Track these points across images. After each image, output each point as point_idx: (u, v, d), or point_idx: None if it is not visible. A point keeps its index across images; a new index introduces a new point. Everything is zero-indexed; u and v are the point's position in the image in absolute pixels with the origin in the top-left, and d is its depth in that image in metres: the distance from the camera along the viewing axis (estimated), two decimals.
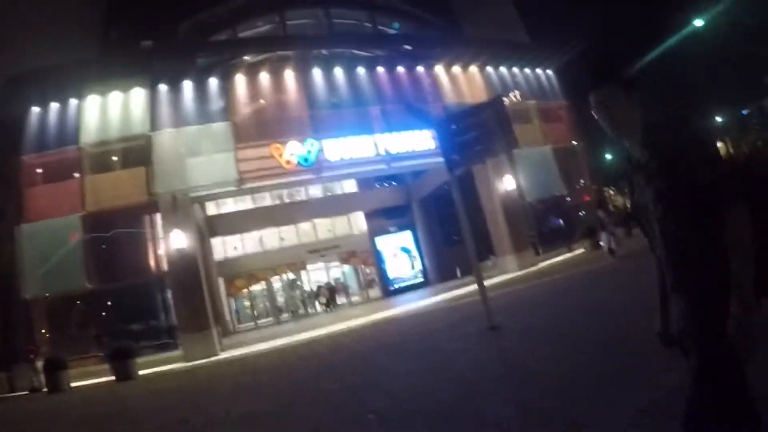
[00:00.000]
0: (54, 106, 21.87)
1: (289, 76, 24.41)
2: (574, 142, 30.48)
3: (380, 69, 25.89)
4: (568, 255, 25.99)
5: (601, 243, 19.13)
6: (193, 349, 19.50)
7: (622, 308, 7.51)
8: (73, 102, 21.96)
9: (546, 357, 6.23)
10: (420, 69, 26.73)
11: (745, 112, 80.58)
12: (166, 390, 12.64)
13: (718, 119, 43.40)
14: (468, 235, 10.43)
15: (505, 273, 24.93)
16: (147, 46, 24.66)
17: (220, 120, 23.20)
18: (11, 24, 24.43)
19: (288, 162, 22.80)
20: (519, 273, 23.65)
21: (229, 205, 34.30)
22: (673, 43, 30.32)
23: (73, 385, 16.89)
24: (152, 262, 22.10)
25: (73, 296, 21.52)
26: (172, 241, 20.67)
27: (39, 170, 21.82)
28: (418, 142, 24.53)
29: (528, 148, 27.09)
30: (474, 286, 12.77)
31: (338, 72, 25.14)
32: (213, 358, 18.72)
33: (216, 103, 23.42)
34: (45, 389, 16.60)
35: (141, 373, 16.85)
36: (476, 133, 10.86)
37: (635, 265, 11.44)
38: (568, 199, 29.84)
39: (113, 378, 16.14)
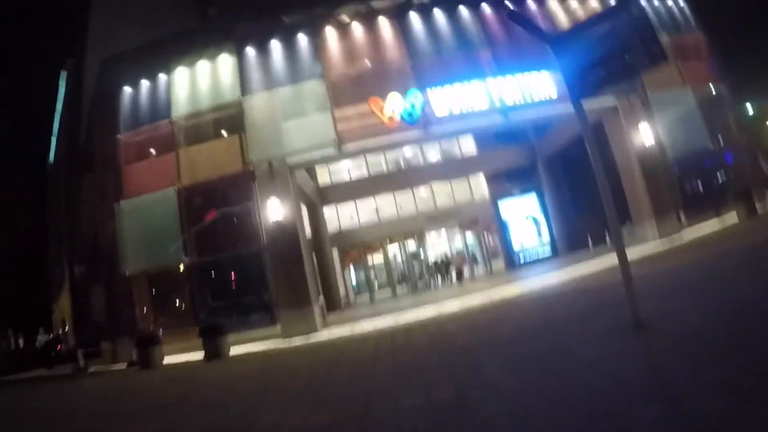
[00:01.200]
0: (145, 84, 22.36)
1: (384, 24, 22.24)
2: (717, 85, 25.76)
3: (486, 5, 23.13)
4: (717, 222, 21.93)
5: None
6: (292, 325, 18.63)
7: None
8: (162, 77, 22.25)
9: (725, 385, 3.77)
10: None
11: None
12: (239, 376, 11.46)
13: None
14: (608, 196, 7.45)
15: (644, 242, 21.64)
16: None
17: (313, 79, 21.51)
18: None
19: (390, 118, 20.60)
20: (660, 242, 20.30)
21: (344, 174, 32.75)
22: None
23: (166, 361, 16.91)
24: (250, 235, 20.65)
25: (171, 270, 21.44)
26: (269, 212, 19.66)
27: (135, 147, 22.09)
28: (538, 86, 21.46)
29: (665, 92, 23.11)
30: (610, 261, 11.57)
31: (438, 14, 22.60)
32: (312, 337, 17.33)
33: (308, 61, 21.80)
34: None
35: (235, 351, 16.27)
36: (609, 45, 7.68)
37: None
38: (716, 154, 25.22)
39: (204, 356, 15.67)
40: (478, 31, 22.67)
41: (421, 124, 20.72)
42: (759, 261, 9.87)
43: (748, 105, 34.50)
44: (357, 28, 22.13)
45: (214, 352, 15.37)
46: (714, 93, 25.62)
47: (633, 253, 18.59)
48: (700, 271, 11.02)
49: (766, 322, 5.25)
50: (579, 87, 7.78)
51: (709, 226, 21.16)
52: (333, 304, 26.66)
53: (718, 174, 25.62)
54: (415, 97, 20.65)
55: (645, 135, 21.98)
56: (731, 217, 21.13)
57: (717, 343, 4.96)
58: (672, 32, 25.31)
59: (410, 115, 20.52)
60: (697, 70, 25.34)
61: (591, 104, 21.97)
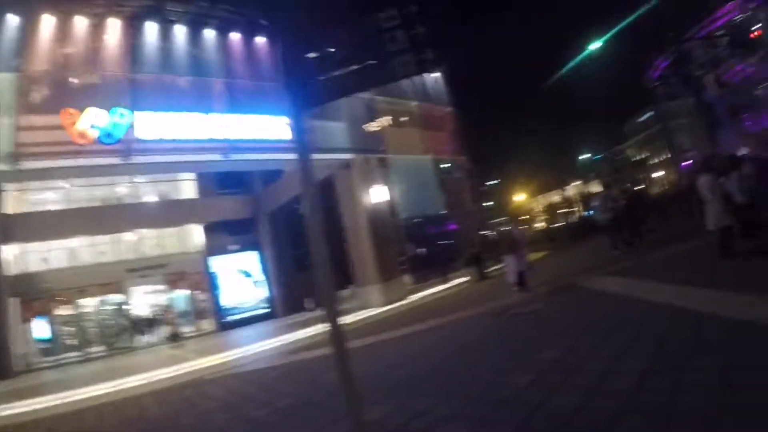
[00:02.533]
0: None
1: (113, 27, 18.09)
2: (458, 158, 26.48)
3: (234, 35, 20.41)
4: (444, 286, 21.36)
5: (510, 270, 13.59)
6: None
7: None
8: None
9: None
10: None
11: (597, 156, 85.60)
12: None
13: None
14: (322, 256, 4.90)
15: (369, 307, 19.91)
16: None
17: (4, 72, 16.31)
18: None
19: (82, 135, 16.14)
20: (386, 308, 18.80)
21: (36, 203, 25.85)
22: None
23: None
24: None
25: None
26: None
27: None
28: (269, 129, 19.06)
29: (404, 155, 22.65)
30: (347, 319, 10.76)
31: (178, 32, 19.29)
32: None
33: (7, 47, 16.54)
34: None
35: None
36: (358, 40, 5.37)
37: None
38: (448, 220, 25.53)
39: None
40: (217, 61, 19.90)
41: (122, 149, 16.74)
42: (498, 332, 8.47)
43: (488, 181, 36.64)
44: (80, 23, 17.59)
45: None
46: (453, 164, 26.23)
47: (355, 317, 17.00)
48: (432, 346, 9.13)
49: None
50: (307, 91, 5.26)
51: (438, 289, 20.53)
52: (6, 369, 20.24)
53: (448, 239, 25.90)
54: (120, 117, 16.66)
55: (378, 196, 20.87)
56: (460, 280, 20.80)
57: None
58: (422, 100, 25.60)
59: (109, 135, 16.39)
60: (441, 139, 25.80)
61: (324, 157, 20.48)
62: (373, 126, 22.20)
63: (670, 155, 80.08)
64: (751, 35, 26.75)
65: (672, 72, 53.75)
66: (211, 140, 18.12)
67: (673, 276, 9.25)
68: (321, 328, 16.39)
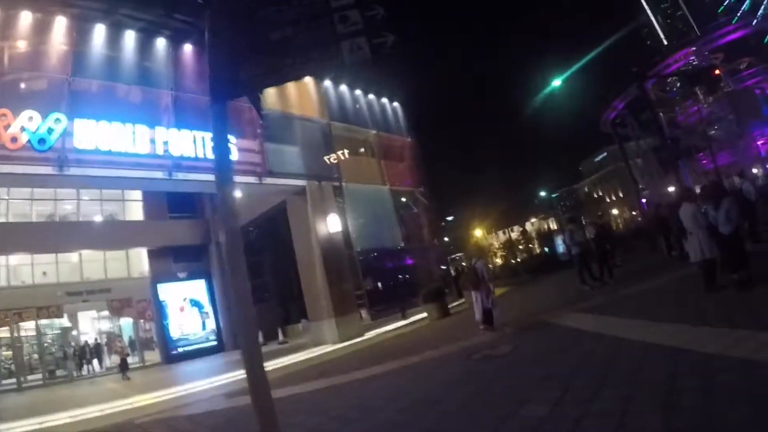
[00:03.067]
0: None
1: (59, 26, 16.52)
2: (418, 190, 25.51)
3: (187, 47, 19.10)
4: (403, 322, 20.06)
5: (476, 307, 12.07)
6: None
7: None
8: None
9: None
10: None
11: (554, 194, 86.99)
12: None
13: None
14: (244, 290, 3.73)
15: (323, 344, 18.54)
16: None
17: None
18: None
19: (13, 139, 14.46)
20: (341, 345, 17.40)
21: None
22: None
23: None
24: None
25: None
26: None
27: None
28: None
29: (361, 184, 21.55)
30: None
31: (129, 37, 17.88)
32: None
33: None
34: None
35: None
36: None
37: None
38: (407, 254, 24.41)
39: None
40: (167, 72, 18.54)
41: (57, 156, 15.07)
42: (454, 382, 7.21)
43: (446, 216, 35.91)
44: (24, 19, 16.00)
45: None
46: (414, 194, 25.29)
47: (307, 355, 15.65)
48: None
49: None
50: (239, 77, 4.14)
51: (396, 327, 19.19)
52: None
53: (407, 273, 24.77)
54: (55, 122, 15.04)
55: (332, 225, 19.62)
56: (420, 317, 19.39)
57: None
58: (380, 129, 24.71)
59: (41, 141, 14.75)
60: (399, 170, 24.87)
61: (276, 182, 19.25)
62: (330, 155, 21.10)
63: (621, 194, 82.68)
64: (713, 72, 26.87)
65: (628, 113, 55.13)
66: (154, 155, 16.60)
67: (655, 312, 8.32)
68: (286, 360, 15.16)
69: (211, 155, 17.08)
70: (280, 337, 25.27)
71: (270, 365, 14.85)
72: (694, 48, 55.24)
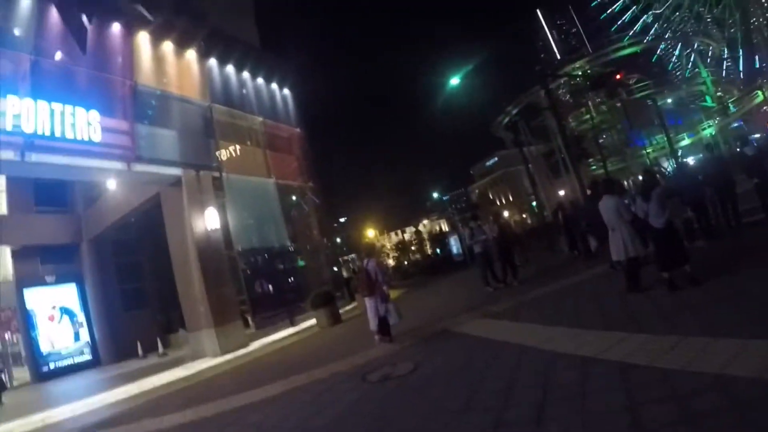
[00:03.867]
0: None
1: None
2: (308, 184, 23.61)
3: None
4: (292, 330, 18.14)
5: (370, 314, 9.93)
6: None
7: None
8: None
9: None
10: (115, 27, 17.05)
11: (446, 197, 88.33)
12: None
13: None
14: None
15: (202, 357, 16.34)
16: None
17: None
18: None
19: None
20: (221, 359, 15.21)
21: None
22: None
23: None
24: None
25: None
26: None
27: None
28: (81, 126, 14.72)
29: (244, 176, 19.42)
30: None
31: None
32: None
33: None
34: None
35: None
36: None
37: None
38: (295, 255, 22.47)
39: None
40: (24, 32, 15.07)
41: None
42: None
43: (337, 216, 34.41)
44: None
45: None
46: (302, 188, 23.36)
47: (183, 372, 13.63)
48: None
49: None
50: None
51: (284, 335, 17.29)
52: None
53: (294, 276, 22.82)
54: None
55: (211, 221, 17.34)
56: (310, 324, 17.64)
57: None
58: (268, 117, 22.58)
59: None
60: (286, 163, 22.86)
61: (148, 169, 16.79)
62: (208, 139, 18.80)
63: (512, 198, 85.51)
64: (615, 77, 27.28)
65: (520, 118, 56.77)
66: (2, 131, 13.36)
67: (576, 317, 7.34)
68: (158, 379, 12.88)
69: (72, 133, 14.41)
70: (160, 348, 22.39)
71: (134, 387, 12.64)
72: (588, 59, 58.29)
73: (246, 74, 22.45)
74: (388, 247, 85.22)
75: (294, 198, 23.22)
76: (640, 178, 10.57)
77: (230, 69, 21.51)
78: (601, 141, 49.22)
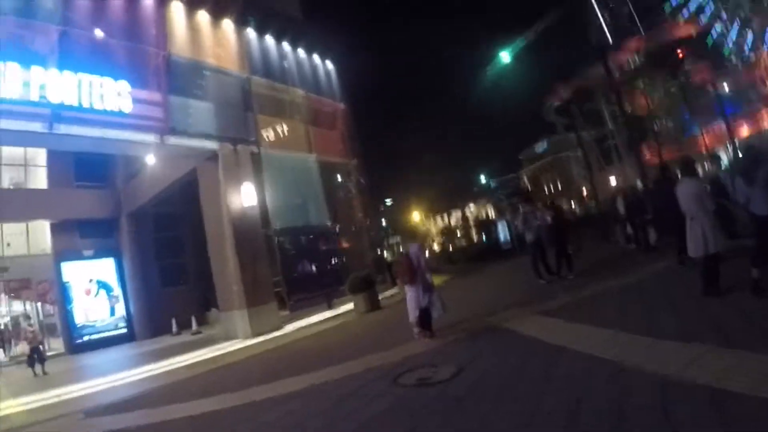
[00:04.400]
0: None
1: None
2: (350, 160, 22.65)
3: None
4: (329, 314, 17.35)
5: (410, 305, 8.74)
6: None
7: None
8: None
9: None
10: None
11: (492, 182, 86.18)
12: None
13: None
14: None
15: (234, 338, 15.79)
16: None
17: None
18: None
19: None
20: (253, 341, 14.60)
21: None
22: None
23: None
24: None
25: None
26: None
27: None
28: (110, 96, 14.25)
29: (284, 151, 18.61)
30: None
31: None
32: None
33: None
34: None
35: None
36: None
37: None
38: (335, 236, 21.59)
39: None
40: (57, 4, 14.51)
41: None
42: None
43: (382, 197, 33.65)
44: None
45: None
46: (345, 166, 22.42)
47: (212, 353, 13.27)
48: None
49: None
50: None
51: (320, 319, 16.50)
52: None
53: (334, 258, 21.93)
54: None
55: (247, 197, 16.60)
56: (349, 308, 16.71)
57: None
58: (310, 91, 21.69)
59: None
60: (330, 138, 21.95)
61: (185, 143, 16.17)
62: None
63: (560, 186, 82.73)
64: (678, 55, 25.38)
65: (573, 102, 54.35)
66: (29, 102, 12.98)
67: (644, 322, 6.19)
68: (185, 359, 12.84)
69: (101, 104, 13.93)
70: (193, 326, 22.10)
71: (160, 366, 12.43)
72: (640, 38, 55.17)
73: (287, 46, 21.56)
74: (434, 232, 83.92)
75: (337, 176, 22.30)
76: (740, 155, 9.18)
77: (270, 40, 20.65)
78: (655, 129, 46.62)
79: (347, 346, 9.86)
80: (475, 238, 68.61)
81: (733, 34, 65.18)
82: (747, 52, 62.43)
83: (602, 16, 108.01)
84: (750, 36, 60.68)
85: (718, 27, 64.48)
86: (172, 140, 15.58)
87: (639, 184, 18.76)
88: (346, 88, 24.18)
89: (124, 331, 24.65)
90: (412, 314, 8.32)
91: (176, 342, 18.99)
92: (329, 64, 23.75)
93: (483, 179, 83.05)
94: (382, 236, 39.99)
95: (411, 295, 8.27)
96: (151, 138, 15.22)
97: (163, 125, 15.33)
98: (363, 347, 8.96)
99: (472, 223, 78.85)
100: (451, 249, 61.81)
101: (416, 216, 73.70)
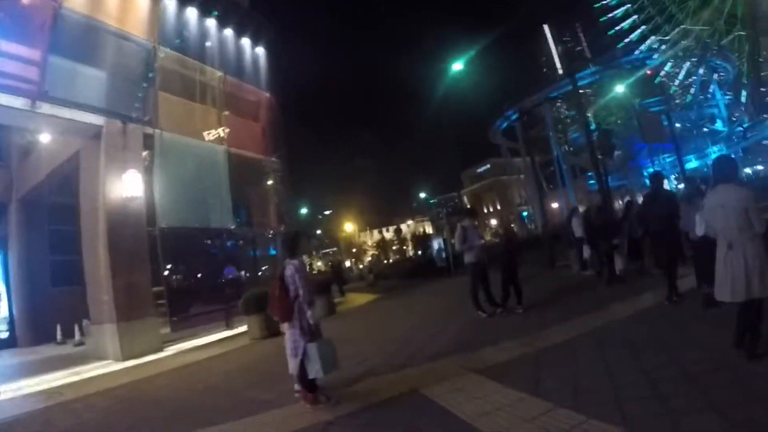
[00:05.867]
0: None
1: None
2: (270, 157, 19.88)
3: None
4: (222, 334, 14.55)
5: (288, 351, 5.67)
6: None
7: None
8: None
9: None
10: None
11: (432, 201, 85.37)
12: None
13: None
14: None
15: (101, 359, 12.70)
16: None
17: None
18: None
19: None
20: (122, 366, 11.69)
21: None
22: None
23: None
24: None
25: None
26: None
27: None
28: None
29: (186, 137, 15.77)
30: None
31: None
32: None
33: None
34: None
35: None
36: None
37: None
38: (249, 240, 18.75)
39: None
40: None
41: None
42: None
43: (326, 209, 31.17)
44: None
45: None
46: (263, 163, 19.68)
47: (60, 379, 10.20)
48: None
49: None
50: None
51: (209, 341, 13.76)
52: None
53: (238, 268, 19.03)
54: None
55: (130, 187, 13.53)
56: (244, 330, 14.00)
57: None
58: (231, 73, 18.90)
59: None
60: (248, 133, 19.18)
61: (65, 115, 13.14)
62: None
63: (500, 206, 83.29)
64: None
65: (520, 125, 54.35)
66: None
67: (653, 400, 3.94)
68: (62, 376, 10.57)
69: None
70: (77, 336, 18.53)
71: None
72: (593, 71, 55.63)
73: (212, 21, 18.65)
74: (369, 244, 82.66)
75: (252, 174, 19.41)
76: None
77: (192, 12, 17.76)
78: (600, 157, 46.52)
79: (227, 392, 7.15)
80: (410, 253, 67.25)
81: (680, 75, 67.01)
82: (691, 92, 64.34)
83: (556, 48, 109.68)
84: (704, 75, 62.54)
85: (667, 67, 65.97)
86: (46, 108, 12.51)
87: (628, 197, 16.76)
88: (277, 80, 21.49)
89: (6, 335, 20.58)
90: (292, 364, 5.58)
91: (54, 354, 15.73)
92: (260, 50, 20.91)
93: (423, 195, 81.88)
94: (317, 247, 37.30)
95: (289, 337, 5.59)
96: (18, 102, 12.15)
97: (35, 88, 12.29)
98: (232, 401, 6.31)
99: (409, 237, 77.94)
100: (385, 263, 60.66)
101: (349, 227, 71.77)
